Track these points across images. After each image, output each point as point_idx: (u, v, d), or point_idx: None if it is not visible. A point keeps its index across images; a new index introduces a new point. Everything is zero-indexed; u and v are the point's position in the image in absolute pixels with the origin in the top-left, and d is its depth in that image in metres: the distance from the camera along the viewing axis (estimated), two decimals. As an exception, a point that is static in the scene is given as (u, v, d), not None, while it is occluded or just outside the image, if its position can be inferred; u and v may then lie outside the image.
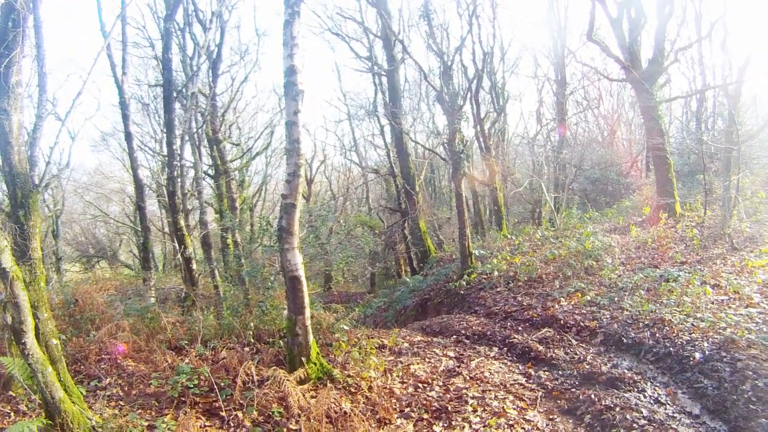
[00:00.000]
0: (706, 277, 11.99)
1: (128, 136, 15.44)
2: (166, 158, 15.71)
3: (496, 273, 15.79)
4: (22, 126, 6.49)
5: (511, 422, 7.20)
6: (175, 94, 15.85)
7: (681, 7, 22.40)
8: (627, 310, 11.04)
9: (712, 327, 9.28)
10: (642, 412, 7.16)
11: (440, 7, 52.57)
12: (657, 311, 10.52)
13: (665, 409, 7.38)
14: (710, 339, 8.90)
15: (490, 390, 8.24)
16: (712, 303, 10.59)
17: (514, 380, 8.81)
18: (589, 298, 12.22)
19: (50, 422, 5.49)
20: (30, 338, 5.28)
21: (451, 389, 8.31)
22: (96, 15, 14.90)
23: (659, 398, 7.72)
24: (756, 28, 15.38)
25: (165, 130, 17.60)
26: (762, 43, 17.62)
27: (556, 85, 29.25)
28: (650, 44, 19.22)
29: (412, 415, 7.40)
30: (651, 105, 18.25)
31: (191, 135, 16.59)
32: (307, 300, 8.05)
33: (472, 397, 7.89)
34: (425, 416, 7.37)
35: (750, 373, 7.52)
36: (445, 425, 7.15)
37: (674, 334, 9.47)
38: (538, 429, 7.10)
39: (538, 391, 8.38)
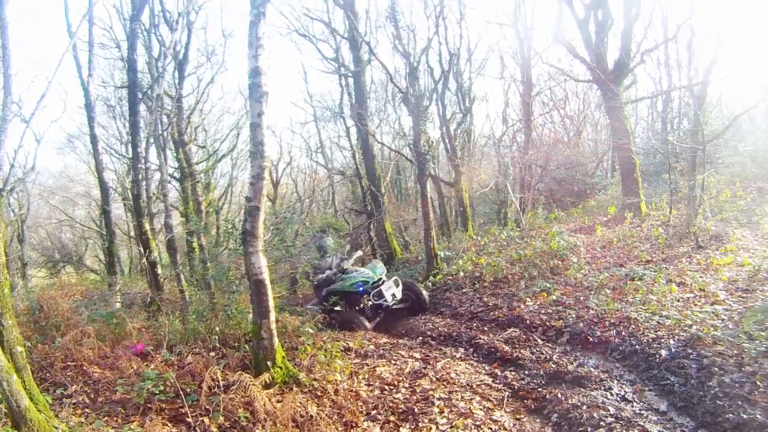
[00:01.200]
0: (671, 275, 12.10)
1: (93, 139, 15.32)
2: (132, 161, 15.60)
3: (461, 274, 15.84)
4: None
5: (478, 423, 7.22)
6: (140, 96, 15.74)
7: (648, 9, 22.74)
8: (593, 309, 11.11)
9: (678, 324, 9.36)
10: (609, 410, 7.21)
11: (407, 9, 52.67)
12: (623, 310, 10.60)
13: (632, 406, 7.43)
14: (676, 336, 8.98)
15: (456, 391, 8.26)
16: (678, 301, 10.69)
17: (481, 381, 8.84)
18: (554, 297, 12.29)
19: (16, 431, 5.43)
20: (-6, 346, 5.23)
21: (418, 391, 8.31)
22: (63, 15, 14.70)
23: (626, 396, 7.77)
24: (722, 30, 15.56)
25: (130, 133, 17.48)
26: (727, 44, 17.86)
27: (522, 86, 29.31)
28: (617, 45, 19.38)
29: (379, 417, 7.40)
30: (617, 106, 18.39)
31: (156, 137, 16.43)
32: (272, 303, 8.02)
33: (439, 399, 7.90)
34: (392, 418, 7.37)
35: (716, 369, 7.60)
36: (412, 427, 7.15)
37: (640, 332, 9.55)
38: (505, 429, 7.12)
39: (505, 391, 8.40)
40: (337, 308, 13.87)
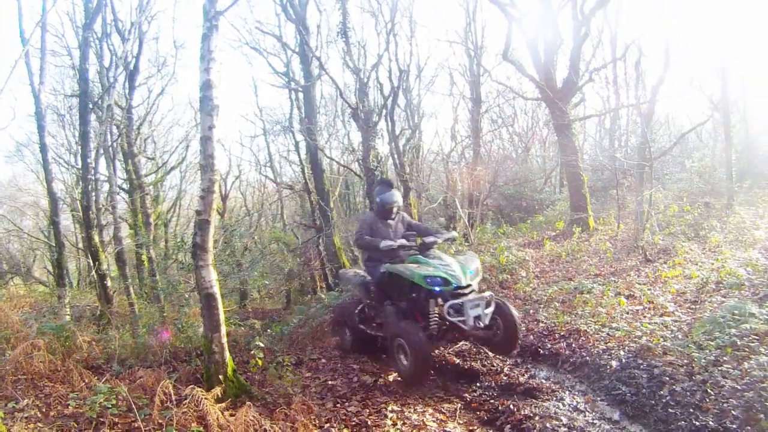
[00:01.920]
0: (620, 288, 12.30)
1: (43, 148, 15.13)
2: (81, 172, 15.45)
3: (410, 287, 15.81)
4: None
5: (430, 435, 7.26)
6: (91, 106, 15.62)
7: (597, 29, 23.14)
8: (542, 322, 11.26)
9: (628, 336, 9.52)
10: (562, 420, 7.30)
11: (358, 25, 52.80)
12: (572, 322, 10.76)
13: (584, 416, 7.53)
14: (626, 347, 9.12)
15: (409, 404, 8.28)
16: (627, 313, 10.87)
17: (433, 393, 8.88)
18: (504, 311, 12.38)
19: (-35, 446, 5.37)
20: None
21: (370, 404, 8.34)
22: (16, 21, 14.50)
23: (578, 406, 7.87)
24: (668, 50, 15.89)
25: (80, 143, 17.31)
26: (675, 64, 18.18)
27: (471, 103, 29.64)
28: (566, 64, 19.74)
29: (333, 430, 7.41)
30: (565, 123, 18.64)
31: (106, 148, 16.36)
32: (222, 317, 7.99)
33: (392, 411, 7.93)
34: (345, 431, 7.39)
35: (667, 378, 7.74)
36: (366, 439, 7.18)
37: (590, 344, 9.69)
38: (457, 441, 7.17)
39: (457, 403, 8.45)
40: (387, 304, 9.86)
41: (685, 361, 8.14)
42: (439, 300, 8.96)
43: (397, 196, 10.55)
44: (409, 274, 8.89)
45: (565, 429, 7.05)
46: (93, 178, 14.64)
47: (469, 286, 9.00)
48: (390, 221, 10.48)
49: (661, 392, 7.52)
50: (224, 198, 37.71)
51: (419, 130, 29.06)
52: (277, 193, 39.86)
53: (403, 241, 9.80)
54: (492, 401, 8.34)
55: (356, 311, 11.01)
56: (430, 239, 9.72)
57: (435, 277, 8.73)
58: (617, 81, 26.43)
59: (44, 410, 7.24)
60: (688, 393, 7.33)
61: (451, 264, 9.07)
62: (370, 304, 10.72)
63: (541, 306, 12.14)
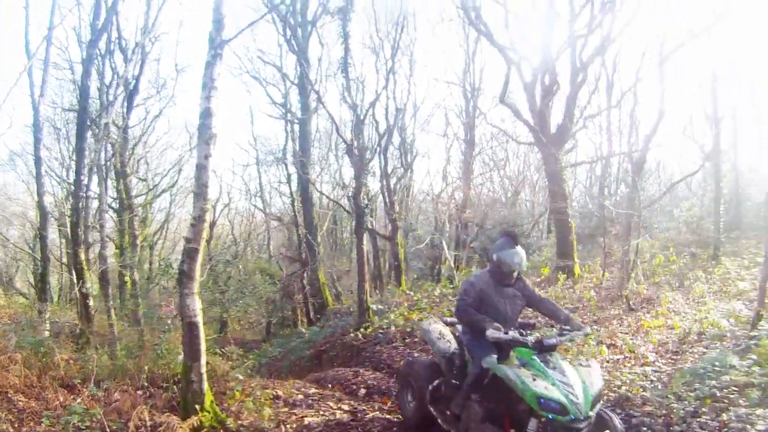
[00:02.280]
0: (602, 336, 12.30)
1: (38, 161, 15.05)
2: (72, 187, 15.42)
3: (393, 328, 15.90)
4: None
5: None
6: (88, 122, 15.63)
7: (594, 76, 23.16)
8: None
9: (608, 385, 9.52)
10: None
11: (359, 61, 52.97)
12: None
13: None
14: (605, 397, 9.12)
15: (382, 447, 8.28)
16: (608, 362, 10.93)
17: (407, 436, 8.87)
18: (485, 357, 12.35)
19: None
20: None
21: (345, 444, 8.32)
22: (23, 32, 14.42)
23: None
24: (663, 100, 16.10)
25: (75, 158, 17.30)
26: (668, 113, 18.30)
27: (464, 144, 29.78)
28: (561, 109, 19.72)
29: (304, 469, 7.40)
30: (556, 169, 18.68)
31: (99, 166, 16.33)
32: (203, 347, 8.00)
33: (366, 452, 7.93)
34: (317, 471, 7.38)
35: (645, 429, 7.75)
36: (338, 480, 7.17)
37: (570, 391, 9.70)
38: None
39: (430, 448, 8.44)
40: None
41: (664, 411, 8.18)
42: (542, 419, 6.57)
43: (521, 256, 7.74)
44: (520, 387, 6.53)
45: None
46: (84, 195, 14.61)
47: (588, 418, 6.58)
48: (507, 289, 7.83)
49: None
50: (212, 225, 37.58)
51: (411, 170, 29.23)
52: (265, 224, 40.07)
53: (516, 335, 7.03)
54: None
55: (430, 387, 8.42)
56: (551, 341, 7.04)
57: (551, 401, 6.40)
58: (611, 128, 26.54)
59: (16, 425, 7.24)
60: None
61: (574, 383, 6.64)
62: (449, 383, 8.11)
63: (523, 351, 12.13)
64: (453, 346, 8.53)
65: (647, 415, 8.20)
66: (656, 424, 7.86)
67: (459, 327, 8.53)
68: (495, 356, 7.18)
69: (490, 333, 6.99)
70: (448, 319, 9.51)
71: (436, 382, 8.46)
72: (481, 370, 7.29)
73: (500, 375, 6.88)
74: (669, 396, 8.51)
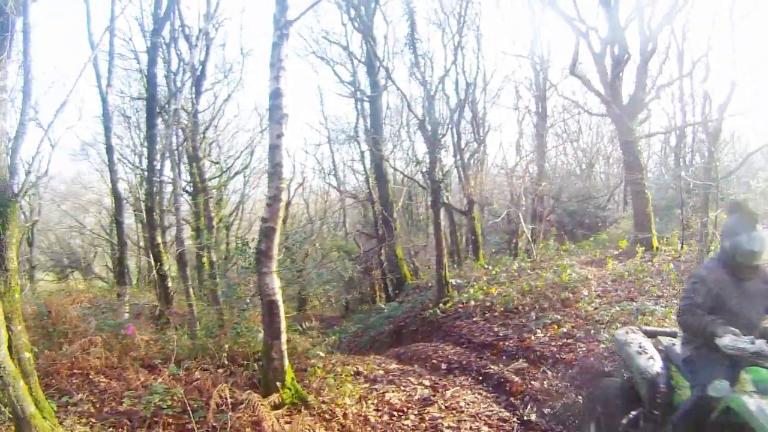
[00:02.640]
0: (682, 311, 11.99)
1: (109, 149, 15.23)
2: (146, 173, 15.57)
3: (472, 302, 15.78)
4: (4, 132, 6.36)
5: (486, 454, 7.16)
6: (157, 109, 15.75)
7: (664, 45, 22.61)
8: (603, 343, 11.02)
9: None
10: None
11: (425, 36, 52.70)
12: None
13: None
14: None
15: (465, 420, 8.19)
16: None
17: (490, 411, 8.76)
18: (565, 330, 12.17)
19: (20, 437, 5.38)
20: (2, 351, 5.18)
21: (427, 418, 8.24)
22: (84, 24, 14.55)
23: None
24: (736, 67, 15.67)
25: (146, 145, 17.47)
26: (742, 81, 17.75)
27: (536, 117, 29.37)
28: (632, 80, 19.33)
29: (387, 444, 7.34)
30: (630, 140, 18.35)
31: (171, 151, 16.44)
32: (284, 325, 7.97)
33: (448, 427, 7.84)
34: (400, 445, 7.32)
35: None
36: (420, 455, 7.09)
37: (651, 369, 9.48)
38: (513, 462, 7.06)
39: (514, 422, 8.33)
40: None
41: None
42: None
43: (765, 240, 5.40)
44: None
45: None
46: (158, 180, 14.72)
47: None
48: (747, 284, 5.56)
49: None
50: (287, 204, 37.78)
51: (484, 144, 28.87)
52: (340, 202, 40.07)
53: (764, 346, 4.85)
54: (550, 423, 8.21)
55: (624, 420, 6.37)
56: None
57: None
58: (684, 98, 25.97)
59: (98, 406, 7.28)
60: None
61: None
62: (651, 415, 6.06)
63: (603, 326, 11.87)
64: (658, 364, 6.22)
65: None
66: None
67: (666, 339, 6.72)
68: (726, 382, 4.93)
69: (728, 341, 4.90)
70: (649, 329, 7.39)
71: (633, 413, 6.35)
72: (701, 399, 5.20)
73: (737, 409, 4.65)
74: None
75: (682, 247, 16.86)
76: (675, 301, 12.67)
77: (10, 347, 5.57)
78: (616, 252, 18.91)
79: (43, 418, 5.64)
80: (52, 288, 28.05)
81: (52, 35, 67.61)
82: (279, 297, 7.90)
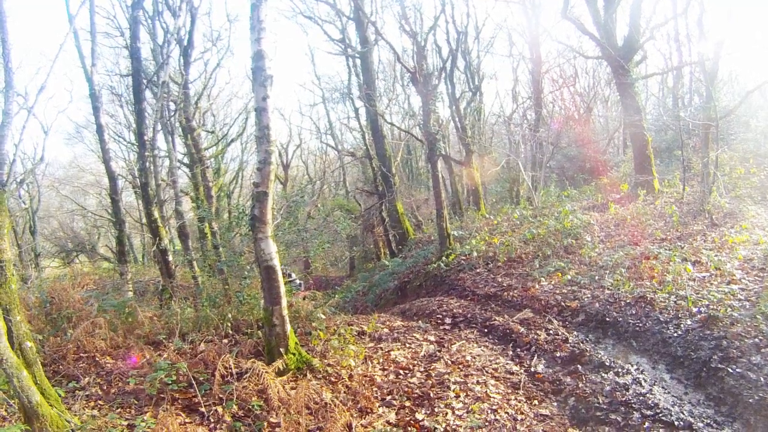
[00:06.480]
0: (686, 253, 11.98)
1: (99, 129, 15.14)
2: (138, 149, 15.49)
3: (475, 254, 15.74)
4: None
5: (494, 407, 7.13)
6: (146, 83, 15.63)
7: (658, -17, 22.40)
8: (608, 288, 11.01)
9: (695, 304, 9.26)
10: (627, 391, 7.12)
11: (413, -12, 52.24)
12: (638, 289, 10.48)
13: (648, 387, 7.33)
14: (693, 317, 8.87)
15: (472, 374, 8.17)
16: (693, 280, 10.59)
17: (497, 364, 8.74)
18: (569, 277, 12.18)
19: (28, 427, 5.35)
20: (2, 342, 5.14)
21: (433, 375, 8.23)
22: (63, 5, 14.49)
23: (643, 377, 7.66)
24: (732, 4, 15.47)
25: (136, 121, 17.37)
26: (737, 20, 17.57)
27: (531, 63, 29.19)
28: (626, 21, 19.26)
29: (394, 402, 7.31)
30: (627, 82, 18.22)
31: (164, 124, 16.37)
32: (283, 289, 7.94)
33: (454, 383, 7.82)
34: (407, 404, 7.29)
35: (734, 351, 7.50)
36: (428, 412, 7.06)
37: (656, 312, 9.44)
38: (521, 413, 7.04)
39: (521, 374, 8.30)
40: None
41: (753, 333, 7.89)
42: None
43: None
44: None
45: (630, 399, 6.89)
46: (150, 154, 14.63)
47: None
48: None
49: (729, 365, 7.30)
50: (286, 167, 37.98)
51: (480, 93, 28.58)
52: (338, 161, 40.02)
53: None
54: (556, 372, 8.18)
55: None
56: None
57: None
58: (679, 38, 25.80)
59: (105, 388, 7.25)
60: (756, 367, 7.12)
61: None
62: None
63: (607, 272, 11.86)
64: None
65: (736, 336, 7.94)
66: (745, 345, 7.61)
67: None
68: None
69: None
70: None
71: None
72: None
73: None
74: (757, 316, 8.24)
75: (684, 189, 16.77)
76: (679, 244, 12.67)
77: (10, 338, 5.52)
78: (618, 196, 18.86)
79: (50, 405, 5.62)
80: (58, 274, 28.14)
81: (36, 23, 67.74)
82: (276, 262, 7.87)
